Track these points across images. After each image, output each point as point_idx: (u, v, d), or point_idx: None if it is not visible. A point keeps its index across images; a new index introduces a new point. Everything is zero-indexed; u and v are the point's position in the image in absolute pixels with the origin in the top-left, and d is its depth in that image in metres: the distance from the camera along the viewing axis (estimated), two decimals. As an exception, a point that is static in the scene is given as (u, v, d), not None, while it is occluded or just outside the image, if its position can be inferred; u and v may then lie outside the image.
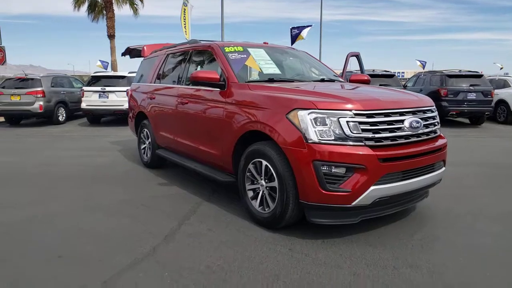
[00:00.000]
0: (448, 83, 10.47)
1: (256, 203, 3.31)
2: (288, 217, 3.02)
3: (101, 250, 2.87)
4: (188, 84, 4.39)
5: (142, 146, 5.76)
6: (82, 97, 11.06)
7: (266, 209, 3.19)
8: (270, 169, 3.09)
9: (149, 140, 5.45)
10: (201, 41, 4.65)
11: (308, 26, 13.50)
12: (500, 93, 11.21)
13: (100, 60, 16.53)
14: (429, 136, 3.20)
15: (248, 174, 3.36)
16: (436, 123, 3.32)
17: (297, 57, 4.59)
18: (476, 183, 4.78)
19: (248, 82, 3.68)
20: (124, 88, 10.73)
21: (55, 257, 2.74)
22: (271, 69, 3.98)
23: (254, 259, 2.71)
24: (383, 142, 2.85)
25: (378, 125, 2.86)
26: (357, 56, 5.27)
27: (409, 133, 3.00)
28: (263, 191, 3.23)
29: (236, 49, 4.04)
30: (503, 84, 11.74)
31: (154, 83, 5.33)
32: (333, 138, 2.77)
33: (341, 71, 4.89)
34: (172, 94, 4.67)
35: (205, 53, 4.38)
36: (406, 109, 3.06)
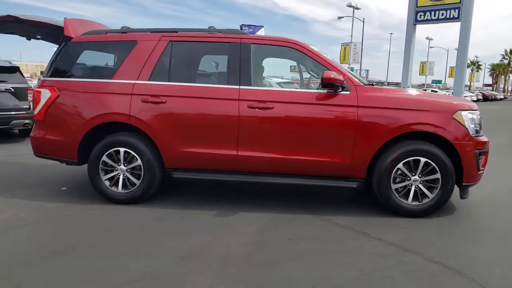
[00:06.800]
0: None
1: (407, 199, 3.59)
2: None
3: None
4: (262, 85, 3.67)
5: (107, 176, 3.85)
6: None
7: (424, 200, 3.58)
8: (430, 163, 3.51)
9: (135, 163, 3.78)
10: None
11: (261, 27, 11.73)
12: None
13: None
14: None
15: (395, 173, 3.56)
16: None
17: None
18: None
19: (367, 85, 3.72)
20: None
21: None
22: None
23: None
24: None
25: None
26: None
27: None
28: (416, 186, 3.58)
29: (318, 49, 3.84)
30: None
31: (149, 80, 3.75)
32: (476, 131, 3.64)
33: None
34: (225, 97, 3.61)
35: (279, 49, 3.76)
36: None
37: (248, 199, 4.11)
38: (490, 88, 73.12)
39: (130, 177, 3.83)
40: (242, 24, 15.23)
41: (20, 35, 4.66)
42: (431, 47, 50.74)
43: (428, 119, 3.50)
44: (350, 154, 3.57)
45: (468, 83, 52.21)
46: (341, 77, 3.45)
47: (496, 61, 74.85)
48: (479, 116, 3.74)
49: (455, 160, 3.54)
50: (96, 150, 3.81)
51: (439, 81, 56.85)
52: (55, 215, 3.58)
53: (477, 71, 67.26)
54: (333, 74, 3.39)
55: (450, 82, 52.24)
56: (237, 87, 3.64)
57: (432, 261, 2.72)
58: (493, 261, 2.78)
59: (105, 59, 4.13)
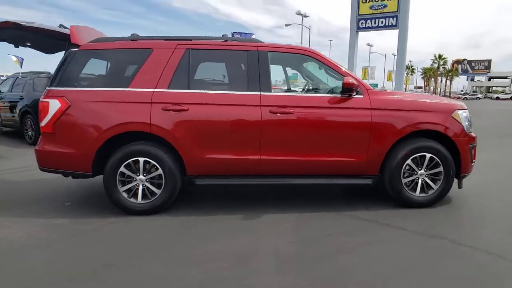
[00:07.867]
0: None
1: (415, 192, 3.95)
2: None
3: None
4: (285, 91, 3.81)
5: (125, 187, 3.76)
6: None
7: (429, 192, 3.96)
8: (434, 158, 3.90)
9: (155, 173, 3.73)
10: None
11: (251, 35, 11.31)
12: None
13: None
14: None
15: (404, 169, 3.90)
16: None
17: None
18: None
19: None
20: None
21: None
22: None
23: None
24: None
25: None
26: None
27: None
28: (422, 179, 3.95)
29: (325, 57, 4.11)
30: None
31: (168, 88, 3.74)
32: (468, 128, 4.11)
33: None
34: (247, 103, 3.72)
35: (295, 57, 3.95)
36: None
37: (267, 201, 4.22)
38: (422, 90, 79.99)
39: (150, 186, 3.77)
40: (233, 32, 15.42)
41: (9, 43, 4.36)
42: (371, 53, 54.30)
43: (434, 118, 3.89)
44: (365, 153, 3.85)
45: (404, 86, 57.03)
46: (356, 82, 3.74)
47: (426, 65, 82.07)
48: (469, 114, 4.23)
49: (452, 154, 3.97)
50: (113, 161, 3.70)
51: (375, 85, 61.17)
52: (72, 231, 3.41)
53: (411, 74, 73.14)
54: (351, 79, 3.67)
55: (387, 85, 56.50)
56: (258, 93, 3.77)
57: (459, 244, 3.06)
58: (502, 240, 3.19)
59: (114, 67, 4.02)
